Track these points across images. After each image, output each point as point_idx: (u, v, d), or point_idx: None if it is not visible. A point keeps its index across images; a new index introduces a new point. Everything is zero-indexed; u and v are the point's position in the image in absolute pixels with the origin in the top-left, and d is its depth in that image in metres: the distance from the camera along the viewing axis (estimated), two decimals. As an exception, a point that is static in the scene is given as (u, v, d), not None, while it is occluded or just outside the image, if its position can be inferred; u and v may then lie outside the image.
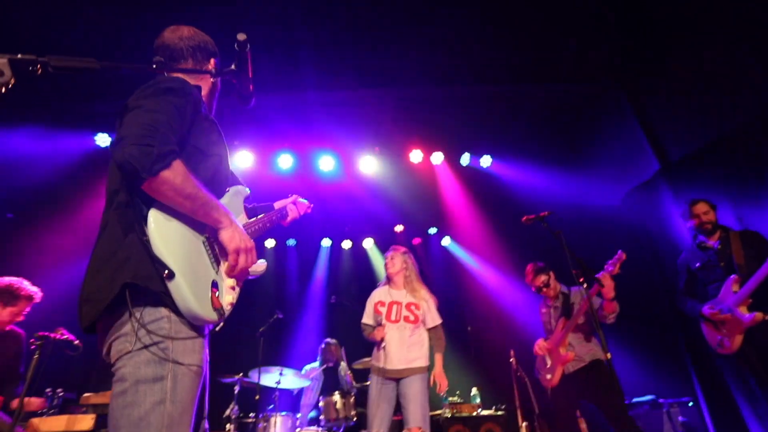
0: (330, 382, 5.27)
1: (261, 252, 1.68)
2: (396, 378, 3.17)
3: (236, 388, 4.63)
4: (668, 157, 4.47)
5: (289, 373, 4.83)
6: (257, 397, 4.49)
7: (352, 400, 4.35)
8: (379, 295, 3.54)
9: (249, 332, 5.20)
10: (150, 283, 1.06)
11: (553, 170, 5.59)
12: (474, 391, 4.39)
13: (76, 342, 2.73)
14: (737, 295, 2.92)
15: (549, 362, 3.29)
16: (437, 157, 5.89)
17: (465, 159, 5.94)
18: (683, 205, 3.43)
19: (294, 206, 1.89)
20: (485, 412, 4.08)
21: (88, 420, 2.60)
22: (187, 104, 1.21)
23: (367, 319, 3.51)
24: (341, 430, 4.17)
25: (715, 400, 4.06)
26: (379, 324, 3.38)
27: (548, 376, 3.30)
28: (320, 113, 5.03)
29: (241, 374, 4.78)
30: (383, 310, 3.39)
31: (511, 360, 4.69)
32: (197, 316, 1.09)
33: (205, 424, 1.28)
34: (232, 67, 1.13)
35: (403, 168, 6.02)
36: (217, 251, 1.24)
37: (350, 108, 5.07)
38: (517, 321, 6.62)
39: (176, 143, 1.13)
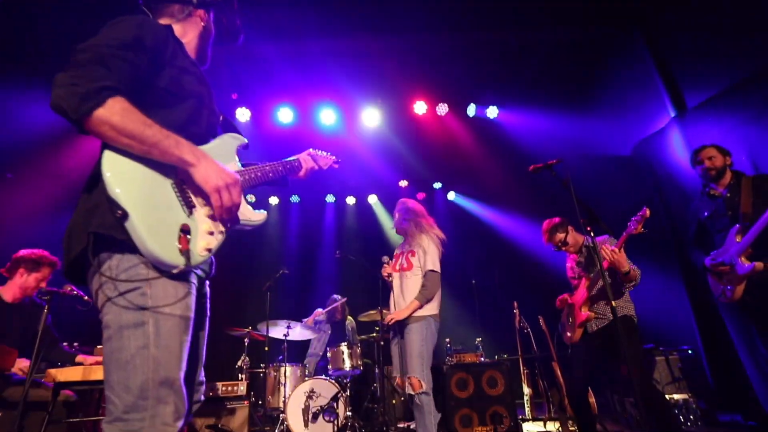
0: (337, 335, 5.42)
1: (261, 203, 1.58)
2: (395, 324, 3.22)
3: (246, 341, 4.79)
4: (684, 103, 4.27)
5: (296, 326, 4.98)
6: (266, 348, 4.63)
7: (358, 350, 4.47)
8: (398, 248, 3.64)
9: (256, 287, 5.30)
10: (114, 232, 1.04)
11: (563, 119, 5.39)
12: (477, 341, 4.49)
13: (86, 298, 2.76)
14: (739, 245, 2.85)
15: (571, 320, 3.24)
16: (442, 109, 5.69)
17: (471, 110, 5.73)
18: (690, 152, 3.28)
19: (309, 158, 1.76)
20: (487, 361, 4.18)
21: (101, 370, 2.67)
22: (143, 39, 1.13)
23: (386, 266, 3.60)
24: (348, 379, 4.31)
25: (714, 349, 4.13)
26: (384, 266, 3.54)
27: (568, 334, 3.25)
28: (321, 63, 4.80)
29: (250, 328, 4.93)
30: (386, 259, 3.55)
31: (514, 311, 4.77)
32: (159, 260, 1.04)
33: (201, 374, 1.25)
34: (210, -6, 1.01)
35: (406, 121, 5.83)
36: (189, 194, 1.15)
37: (351, 58, 4.83)
38: (523, 274, 6.68)
39: (119, 80, 1.06)
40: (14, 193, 4.97)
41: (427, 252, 3.28)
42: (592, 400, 3.98)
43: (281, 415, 4.34)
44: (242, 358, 4.51)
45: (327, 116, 5.64)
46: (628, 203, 2.81)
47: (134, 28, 1.13)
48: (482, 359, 4.25)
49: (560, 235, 3.26)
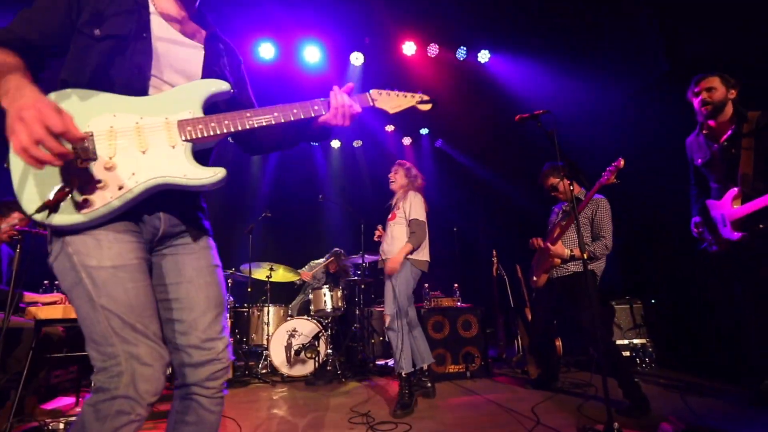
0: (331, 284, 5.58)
1: (221, 161, 1.30)
2: (383, 267, 3.48)
3: (230, 282, 4.87)
4: (682, 54, 4.15)
5: (279, 268, 5.07)
6: (249, 289, 4.73)
7: (339, 293, 4.59)
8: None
9: (239, 229, 5.31)
10: None
11: (555, 69, 5.22)
12: (455, 286, 4.65)
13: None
14: (734, 211, 2.59)
15: (538, 264, 3.36)
16: (432, 50, 5.44)
17: (461, 53, 5.50)
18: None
19: (340, 94, 1.35)
20: (464, 306, 4.36)
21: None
22: None
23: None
24: (328, 319, 4.47)
25: (679, 299, 4.35)
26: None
27: (534, 278, 3.40)
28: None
29: (233, 269, 5.00)
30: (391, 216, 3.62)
31: (493, 258, 4.92)
32: (26, 215, 1.04)
33: (212, 329, 1.25)
34: None
35: (395, 62, 5.58)
36: (89, 143, 1.06)
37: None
38: (505, 223, 6.80)
39: (25, 30, 1.10)
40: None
41: (413, 204, 3.47)
42: (559, 343, 4.24)
43: (264, 351, 4.54)
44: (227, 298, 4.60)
45: (311, 54, 5.34)
46: (618, 158, 2.76)
47: None
48: (459, 304, 4.43)
49: (553, 180, 3.30)
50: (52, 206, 0.98)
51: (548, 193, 3.41)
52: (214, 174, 1.14)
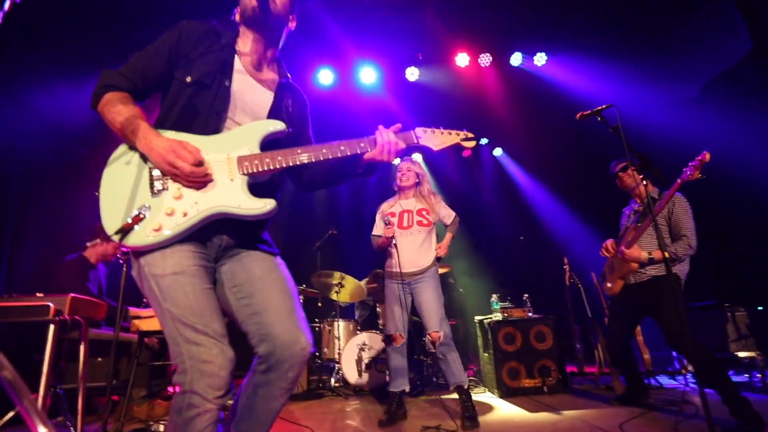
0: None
1: (273, 192, 1.40)
2: (408, 281, 3.29)
3: (301, 297, 5.10)
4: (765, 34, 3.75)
5: (348, 282, 5.19)
6: (320, 304, 4.91)
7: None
8: (388, 206, 3.56)
9: (308, 246, 5.56)
10: None
11: (619, 61, 4.92)
12: (525, 297, 4.48)
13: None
14: None
15: (612, 269, 3.15)
16: (485, 59, 5.41)
17: (516, 59, 5.41)
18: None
19: (385, 133, 1.44)
20: (535, 316, 4.17)
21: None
22: (167, 41, 1.36)
23: (377, 230, 3.54)
24: (398, 332, 4.49)
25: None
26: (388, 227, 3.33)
27: (609, 285, 3.18)
28: (359, 20, 4.66)
29: (304, 285, 5.23)
30: (395, 220, 3.39)
31: (564, 266, 4.68)
32: (108, 234, 1.23)
33: (288, 330, 1.35)
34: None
35: (449, 74, 5.63)
36: (161, 177, 1.26)
37: (389, 10, 4.65)
38: (575, 228, 6.46)
39: (131, 78, 1.32)
40: (92, 169, 5.44)
41: (441, 204, 3.47)
42: (647, 356, 3.90)
43: (336, 365, 4.67)
44: (298, 313, 4.82)
45: (367, 75, 5.56)
46: (693, 153, 2.55)
47: (166, 34, 1.38)
48: (530, 315, 4.25)
49: (623, 177, 3.11)
50: (128, 230, 1.19)
51: (620, 193, 3.20)
52: (264, 205, 1.28)
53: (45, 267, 4.54)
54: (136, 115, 1.26)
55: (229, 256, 1.37)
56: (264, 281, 1.33)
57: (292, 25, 1.56)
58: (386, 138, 1.42)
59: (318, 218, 7.49)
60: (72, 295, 2.20)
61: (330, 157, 1.39)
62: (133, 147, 1.28)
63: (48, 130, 4.92)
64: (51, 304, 2.13)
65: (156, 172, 1.26)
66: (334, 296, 4.99)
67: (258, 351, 1.29)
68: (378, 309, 4.80)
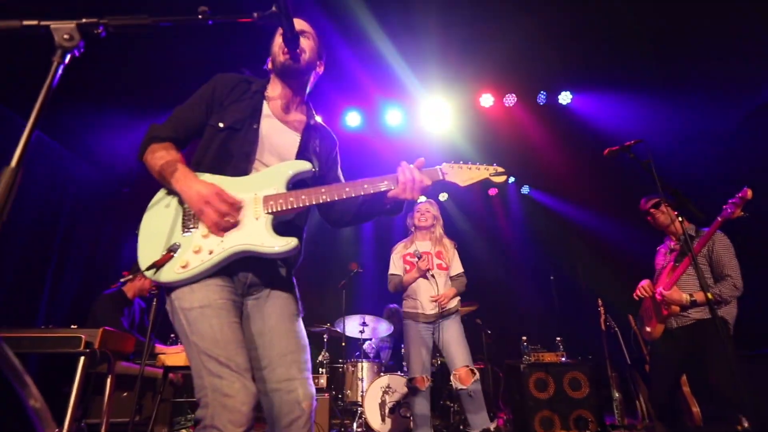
0: (396, 340, 5.51)
1: (299, 231, 1.42)
2: (432, 321, 3.25)
3: (325, 337, 5.05)
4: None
5: (371, 321, 5.12)
6: (343, 344, 4.83)
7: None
8: (405, 247, 3.59)
9: (333, 285, 5.55)
10: None
11: (647, 97, 4.85)
12: (557, 340, 4.27)
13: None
14: None
15: (651, 313, 2.96)
16: (510, 99, 5.49)
17: (541, 98, 5.46)
18: None
19: (408, 169, 1.44)
20: (569, 361, 3.95)
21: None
22: (203, 93, 1.47)
23: (395, 270, 3.56)
24: (423, 374, 4.33)
25: None
26: (419, 262, 3.36)
27: (648, 329, 2.98)
28: (381, 65, 4.87)
29: (328, 324, 5.18)
30: (414, 261, 3.42)
31: (599, 308, 4.46)
32: (140, 271, 1.29)
33: (294, 371, 1.37)
34: (273, 9, 1.11)
35: (473, 115, 5.72)
36: (192, 217, 1.33)
37: (412, 55, 4.84)
38: (608, 269, 6.19)
39: (173, 129, 1.42)
40: (130, 207, 5.75)
41: (454, 253, 3.47)
42: (696, 409, 3.58)
43: (359, 408, 4.51)
44: (322, 353, 4.75)
45: (394, 117, 5.72)
46: (730, 189, 2.45)
47: (203, 87, 1.50)
48: (563, 359, 4.03)
49: (656, 213, 2.98)
50: (158, 266, 1.25)
51: (654, 230, 3.07)
52: (286, 243, 1.31)
53: (84, 300, 4.72)
54: (177, 159, 1.36)
55: (254, 295, 1.40)
56: (276, 330, 1.36)
57: (320, 69, 1.64)
58: (408, 176, 1.42)
59: (342, 256, 7.52)
60: (103, 327, 2.26)
61: (353, 195, 1.41)
62: (171, 191, 1.37)
63: (93, 171, 5.26)
64: (83, 336, 2.19)
65: (189, 212, 1.33)
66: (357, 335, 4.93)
67: (264, 408, 1.30)
68: (402, 351, 4.66)
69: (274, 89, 1.56)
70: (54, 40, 0.87)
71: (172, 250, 1.27)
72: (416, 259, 3.32)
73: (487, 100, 5.49)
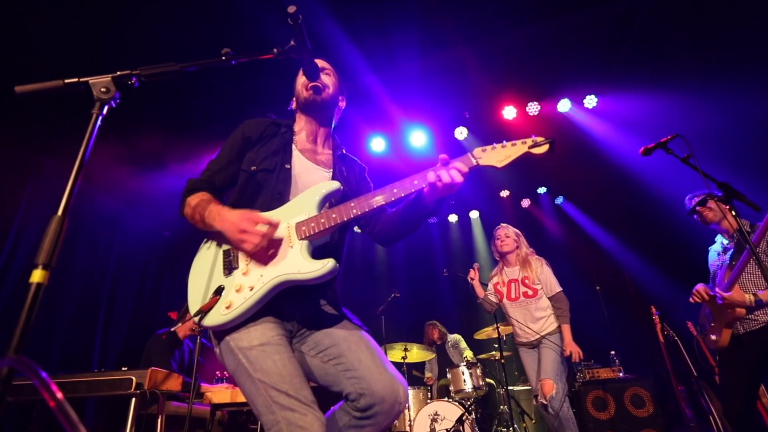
0: (443, 358, 5.37)
1: (337, 254, 1.48)
2: (536, 345, 3.33)
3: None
4: None
5: (413, 347, 5.01)
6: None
7: (479, 370, 4.31)
8: (495, 277, 3.71)
9: (371, 311, 5.51)
10: None
11: (680, 91, 4.63)
12: (611, 354, 4.01)
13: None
14: None
15: (714, 319, 2.73)
16: (533, 108, 5.42)
17: (564, 105, 5.36)
18: None
19: (431, 172, 1.38)
20: (628, 376, 3.69)
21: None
22: (233, 141, 1.53)
23: (489, 295, 3.70)
24: (470, 401, 4.17)
25: None
26: (495, 299, 3.63)
27: (713, 337, 2.75)
28: (403, 87, 4.94)
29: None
30: (503, 290, 3.54)
31: (653, 317, 4.18)
32: (192, 316, 1.32)
33: (377, 383, 1.34)
34: (291, 43, 1.15)
35: (497, 128, 5.67)
36: (233, 256, 1.37)
37: (431, 75, 4.89)
38: (656, 273, 5.84)
39: (209, 179, 1.48)
40: (173, 249, 5.99)
41: (546, 274, 3.41)
42: (766, 400, 3.24)
43: (408, 438, 4.36)
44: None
45: (418, 138, 5.76)
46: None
47: (232, 135, 1.56)
48: (621, 374, 3.77)
49: (704, 211, 2.80)
50: (206, 311, 1.28)
51: (702, 229, 2.88)
52: (323, 266, 1.29)
53: (132, 341, 4.89)
54: (209, 199, 1.41)
55: (307, 327, 1.42)
56: (348, 341, 1.37)
57: (342, 104, 1.70)
58: (437, 171, 1.36)
59: (378, 282, 7.49)
60: (151, 368, 2.32)
61: (383, 203, 1.36)
62: (212, 236, 1.43)
63: (135, 217, 5.54)
64: (133, 378, 2.25)
65: (228, 254, 1.37)
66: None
67: (358, 404, 1.28)
68: (448, 375, 4.52)
69: (301, 127, 1.63)
70: (92, 94, 0.93)
71: (217, 293, 1.31)
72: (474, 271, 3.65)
73: (509, 112, 5.45)
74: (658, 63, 4.64)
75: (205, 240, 1.47)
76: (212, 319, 1.28)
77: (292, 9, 1.11)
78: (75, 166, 0.85)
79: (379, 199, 1.37)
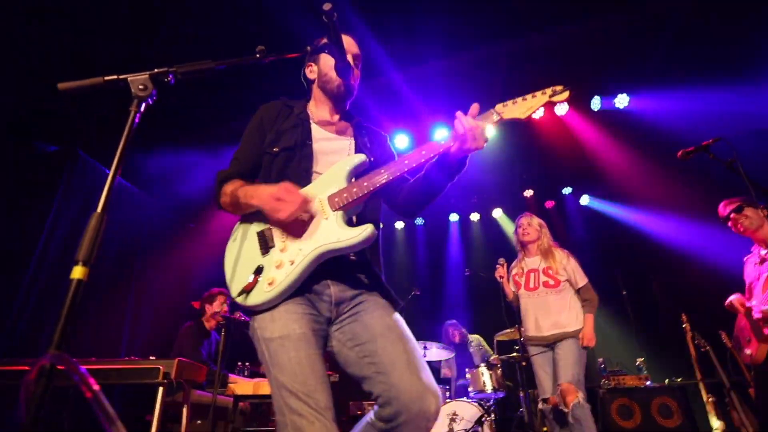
0: (462, 359, 5.33)
1: (368, 217, 1.45)
2: (550, 344, 3.15)
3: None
4: None
5: (432, 346, 4.99)
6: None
7: (499, 371, 4.25)
8: (515, 267, 3.57)
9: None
10: None
11: (717, 91, 4.43)
12: (638, 361, 3.88)
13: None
14: None
15: (749, 332, 2.61)
16: (561, 108, 5.29)
17: (595, 103, 5.20)
18: None
19: (459, 123, 1.36)
20: (655, 385, 3.57)
21: (269, 385, 3.05)
22: (252, 127, 1.53)
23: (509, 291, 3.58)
24: (491, 401, 4.12)
25: None
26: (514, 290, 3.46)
27: (747, 352, 2.62)
28: (428, 84, 4.89)
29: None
30: (521, 280, 3.40)
31: (683, 325, 4.03)
32: (234, 300, 1.30)
33: (411, 382, 1.23)
34: (324, 40, 1.14)
35: (524, 127, 5.56)
36: (268, 236, 1.35)
37: (455, 75, 4.82)
38: (691, 280, 5.63)
39: (238, 166, 1.49)
40: (197, 241, 6.13)
41: (573, 265, 3.25)
42: None
43: (425, 436, 4.34)
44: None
45: (441, 135, 5.70)
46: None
47: (251, 122, 1.56)
48: (648, 383, 3.66)
49: (739, 219, 2.68)
50: (248, 291, 1.26)
51: (736, 229, 2.74)
52: (362, 230, 1.29)
53: (158, 330, 5.03)
54: (241, 183, 1.42)
55: (347, 314, 1.36)
56: (386, 338, 1.29)
57: (357, 72, 1.64)
58: (469, 123, 1.33)
59: (396, 280, 7.47)
60: (178, 359, 2.37)
61: (414, 165, 1.36)
62: (244, 220, 1.43)
63: (162, 208, 5.69)
64: (161, 367, 2.31)
65: (262, 234, 1.36)
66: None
67: (383, 412, 1.21)
68: (467, 375, 4.47)
69: (318, 106, 1.62)
70: (130, 91, 0.94)
71: (257, 273, 1.30)
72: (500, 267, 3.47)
73: (537, 111, 5.33)
74: (697, 60, 4.45)
75: (236, 225, 1.47)
76: (256, 298, 1.27)
77: (327, 6, 1.10)
78: (114, 162, 0.86)
79: (407, 163, 1.36)
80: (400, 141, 5.82)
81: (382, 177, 1.34)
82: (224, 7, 3.61)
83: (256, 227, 1.39)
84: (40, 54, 3.67)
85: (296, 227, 1.31)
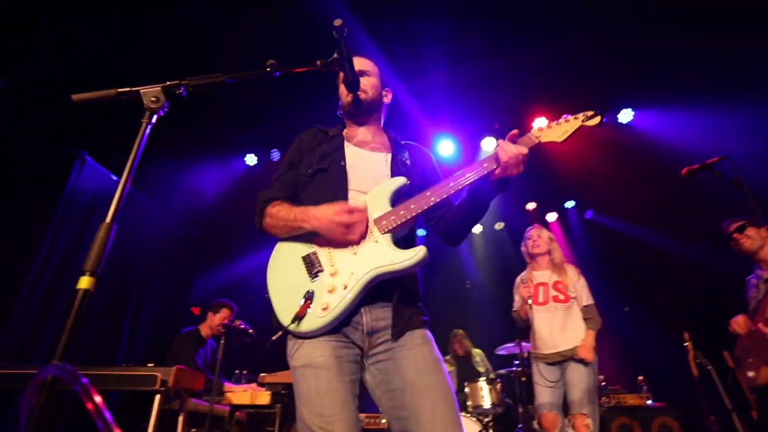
0: (465, 370, 5.27)
1: (411, 239, 1.50)
2: (558, 362, 3.05)
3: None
4: None
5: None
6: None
7: (498, 386, 4.21)
8: (521, 280, 3.46)
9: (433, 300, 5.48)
10: None
11: (722, 109, 4.43)
12: (639, 379, 3.85)
13: (251, 331, 3.25)
14: None
15: (752, 354, 2.58)
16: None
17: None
18: None
19: (502, 151, 1.35)
20: (657, 404, 3.53)
21: (265, 396, 3.04)
22: (291, 151, 1.60)
23: (516, 305, 3.44)
24: (489, 417, 4.08)
25: None
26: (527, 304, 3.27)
27: (750, 374, 2.60)
28: (432, 97, 4.93)
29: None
30: (534, 293, 3.30)
31: (686, 344, 3.99)
32: (284, 328, 1.28)
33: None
34: (335, 55, 1.16)
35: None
36: (315, 260, 1.34)
37: (460, 85, 4.86)
38: (693, 298, 5.59)
39: (282, 189, 1.51)
40: (201, 248, 6.14)
41: (585, 286, 3.21)
42: None
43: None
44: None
45: (445, 148, 5.72)
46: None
47: (289, 149, 1.62)
48: (649, 402, 3.62)
49: (742, 239, 2.66)
50: (301, 317, 1.25)
51: (737, 249, 2.73)
52: (415, 253, 1.29)
53: (158, 337, 5.01)
54: (291, 205, 1.43)
55: (381, 349, 1.32)
56: (416, 388, 1.24)
57: (388, 98, 1.71)
58: (510, 151, 1.34)
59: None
60: (176, 366, 2.36)
61: (459, 188, 1.38)
62: (283, 245, 1.43)
63: (166, 215, 5.70)
64: (158, 375, 2.29)
65: (308, 258, 1.36)
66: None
67: None
68: (466, 389, 4.42)
69: (350, 129, 1.66)
70: (143, 103, 0.95)
71: (308, 299, 1.28)
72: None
73: (540, 124, 5.34)
74: (700, 78, 4.47)
75: (275, 252, 1.45)
76: (310, 324, 1.25)
77: (338, 22, 1.12)
78: (124, 174, 0.86)
79: (452, 186, 1.39)
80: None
81: (429, 199, 1.37)
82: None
83: (299, 251, 1.39)
84: (50, 59, 3.73)
85: (346, 251, 1.33)
